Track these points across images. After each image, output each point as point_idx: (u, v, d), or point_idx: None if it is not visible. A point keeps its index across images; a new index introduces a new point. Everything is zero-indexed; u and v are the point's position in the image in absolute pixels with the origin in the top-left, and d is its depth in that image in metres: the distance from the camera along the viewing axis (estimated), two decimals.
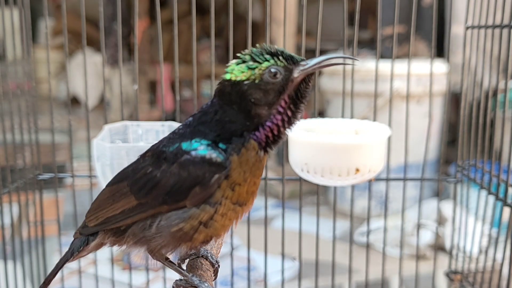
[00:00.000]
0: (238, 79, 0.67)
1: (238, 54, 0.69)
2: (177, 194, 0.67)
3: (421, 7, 2.54)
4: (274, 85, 0.66)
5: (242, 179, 0.67)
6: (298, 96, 0.68)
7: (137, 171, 0.71)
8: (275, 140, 0.69)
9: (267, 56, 0.66)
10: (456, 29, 2.54)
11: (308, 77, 0.68)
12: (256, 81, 0.66)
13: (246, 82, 0.66)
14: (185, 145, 0.67)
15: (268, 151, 0.70)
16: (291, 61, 0.67)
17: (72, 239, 0.79)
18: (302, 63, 0.67)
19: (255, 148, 0.68)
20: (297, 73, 0.67)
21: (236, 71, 0.67)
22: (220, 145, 0.67)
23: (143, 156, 0.73)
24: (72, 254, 0.76)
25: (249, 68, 0.66)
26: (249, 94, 0.66)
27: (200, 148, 0.66)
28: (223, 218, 0.68)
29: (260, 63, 0.66)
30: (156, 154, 0.70)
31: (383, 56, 2.75)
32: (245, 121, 0.67)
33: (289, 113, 0.68)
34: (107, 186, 0.75)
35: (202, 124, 0.69)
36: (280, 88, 0.67)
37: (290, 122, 0.69)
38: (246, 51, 0.69)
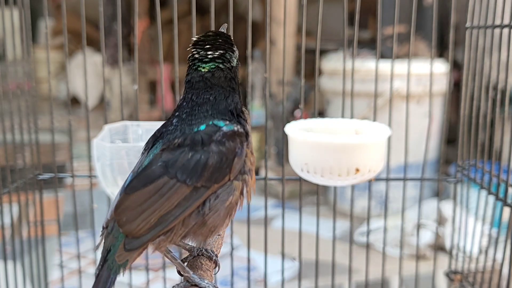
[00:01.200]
0: (234, 64, 0.78)
1: (207, 47, 0.77)
2: (223, 170, 0.71)
3: (422, 6, 2.54)
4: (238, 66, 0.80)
5: (253, 144, 0.77)
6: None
7: (175, 161, 0.69)
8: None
9: (231, 42, 0.79)
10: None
11: None
12: (237, 62, 0.79)
13: (236, 66, 0.78)
14: (216, 122, 0.74)
15: None
16: (231, 38, 0.80)
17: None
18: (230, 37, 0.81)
19: (248, 117, 0.80)
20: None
21: (230, 59, 0.77)
22: (235, 119, 0.76)
23: (168, 147, 0.71)
24: (114, 274, 0.69)
25: (234, 54, 0.78)
26: (238, 75, 0.79)
27: (227, 124, 0.74)
28: (252, 183, 0.75)
29: (233, 46, 0.79)
30: (189, 139, 0.72)
31: (383, 56, 2.75)
32: (240, 98, 0.79)
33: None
34: (134, 191, 0.69)
35: (218, 107, 0.75)
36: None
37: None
38: (211, 42, 0.77)
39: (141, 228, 0.67)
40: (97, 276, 0.68)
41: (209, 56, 0.76)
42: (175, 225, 0.69)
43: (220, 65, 0.76)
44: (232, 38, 0.80)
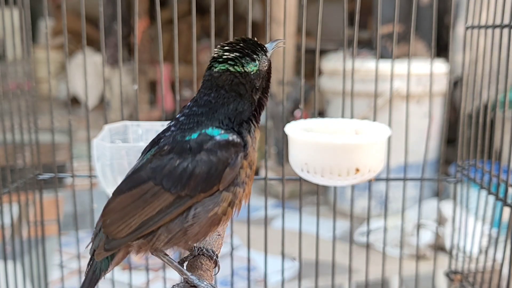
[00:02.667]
0: (248, 70, 0.75)
1: (226, 48, 0.76)
2: (212, 180, 0.70)
3: (419, 6, 2.54)
4: (263, 72, 0.77)
5: (254, 156, 0.75)
6: (269, 76, 0.80)
7: (162, 168, 0.70)
8: (260, 117, 0.79)
9: (259, 49, 0.76)
10: (458, 29, 2.54)
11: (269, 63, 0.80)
12: (257, 71, 0.76)
13: (252, 73, 0.75)
14: (208, 131, 0.71)
15: (259, 123, 0.79)
16: (266, 50, 0.78)
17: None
18: (267, 49, 0.79)
19: (256, 129, 0.76)
20: (269, 57, 0.79)
21: (245, 64, 0.75)
22: (235, 129, 0.74)
23: (159, 153, 0.72)
24: (98, 274, 0.73)
25: (253, 61, 0.75)
26: (255, 83, 0.75)
27: (222, 133, 0.72)
28: (245, 196, 0.74)
29: (257, 55, 0.76)
30: (178, 146, 0.71)
31: (381, 55, 2.75)
32: (250, 108, 0.75)
33: (269, 88, 0.80)
34: (119, 193, 0.72)
35: (216, 112, 0.74)
36: (265, 73, 0.78)
37: (268, 95, 0.80)
38: (233, 44, 0.76)
39: (121, 230, 0.70)
40: (86, 275, 0.73)
41: (224, 57, 0.75)
42: (158, 231, 0.70)
43: (230, 68, 0.74)
44: (260, 44, 0.77)
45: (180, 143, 0.71)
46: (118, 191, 0.72)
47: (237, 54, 0.75)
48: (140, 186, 0.70)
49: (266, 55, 0.77)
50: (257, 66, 0.75)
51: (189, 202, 0.69)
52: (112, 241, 0.70)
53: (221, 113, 0.73)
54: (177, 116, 0.77)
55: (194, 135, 0.71)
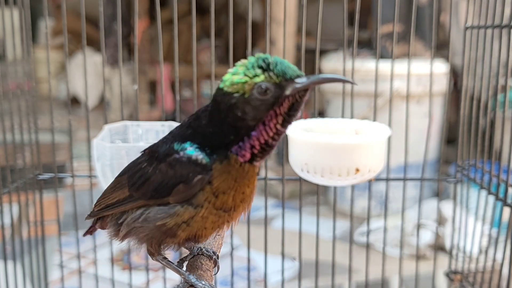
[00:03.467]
0: (229, 90, 0.65)
1: (240, 61, 0.67)
2: (163, 190, 0.70)
3: (417, 6, 2.54)
4: (263, 102, 0.64)
5: (226, 187, 0.68)
6: (289, 112, 0.66)
7: (134, 166, 0.76)
8: (263, 151, 0.67)
9: (259, 71, 0.64)
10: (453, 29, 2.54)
11: (302, 93, 0.65)
12: (246, 95, 0.64)
13: (235, 95, 0.64)
14: (176, 146, 0.70)
15: (257, 161, 0.68)
16: (284, 78, 0.64)
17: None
18: (297, 80, 0.64)
19: (237, 161, 0.67)
20: (289, 91, 0.64)
21: (229, 81, 0.65)
22: (207, 150, 0.68)
23: (143, 152, 0.78)
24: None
25: (239, 81, 0.64)
26: (236, 107, 0.64)
27: (189, 149, 0.68)
28: (204, 220, 0.70)
29: (250, 77, 0.64)
30: (152, 152, 0.75)
31: (381, 55, 2.74)
32: (230, 134, 0.66)
33: (278, 127, 0.66)
34: (116, 177, 0.81)
35: (193, 128, 0.70)
36: (270, 105, 0.64)
37: (278, 134, 0.67)
38: (245, 60, 0.67)
39: (97, 205, 0.80)
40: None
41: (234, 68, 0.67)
42: (123, 223, 0.76)
43: (222, 83, 0.66)
44: (279, 71, 0.64)
45: (154, 151, 0.74)
46: (117, 175, 0.80)
47: (240, 69, 0.65)
48: (121, 176, 0.78)
49: (277, 84, 0.63)
50: (243, 88, 0.64)
51: (140, 202, 0.73)
52: (93, 211, 0.82)
53: (196, 130, 0.69)
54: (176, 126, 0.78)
55: (165, 147, 0.72)
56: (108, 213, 0.78)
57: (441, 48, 2.51)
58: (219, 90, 0.66)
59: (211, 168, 0.67)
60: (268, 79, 0.63)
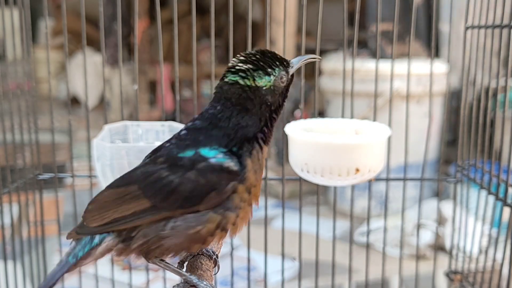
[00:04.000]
0: (260, 85, 0.72)
1: (241, 58, 0.73)
2: (193, 199, 0.69)
3: (410, 6, 2.53)
4: (280, 88, 0.74)
5: (254, 179, 0.72)
6: (286, 92, 0.77)
7: (149, 175, 0.71)
8: (270, 135, 0.75)
9: (277, 63, 0.73)
10: (444, 28, 2.53)
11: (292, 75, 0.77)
12: (272, 86, 0.73)
13: (264, 88, 0.72)
14: (203, 152, 0.69)
15: (268, 142, 0.75)
16: (287, 65, 0.75)
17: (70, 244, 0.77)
18: (291, 63, 0.76)
19: (261, 147, 0.73)
20: (290, 74, 0.76)
21: (257, 78, 0.72)
22: (234, 149, 0.71)
23: (154, 160, 0.73)
24: (76, 259, 0.73)
25: (267, 75, 0.73)
26: (267, 98, 0.73)
27: (218, 156, 0.69)
28: (241, 221, 0.71)
29: (273, 69, 0.73)
30: (171, 160, 0.71)
31: (375, 55, 2.73)
32: (258, 124, 0.73)
33: (282, 106, 0.76)
34: (109, 187, 0.74)
35: (215, 128, 0.71)
36: (283, 89, 0.75)
37: (280, 112, 0.77)
38: (249, 55, 0.73)
39: (95, 219, 0.72)
40: (60, 261, 0.74)
41: (237, 67, 0.72)
42: (135, 235, 0.71)
43: (240, 80, 0.72)
44: (279, 58, 0.74)
45: (174, 157, 0.71)
46: (109, 186, 0.75)
47: (251, 66, 0.72)
48: (126, 186, 0.72)
49: (286, 71, 0.74)
50: (271, 81, 0.73)
51: (164, 213, 0.70)
52: (85, 227, 0.73)
53: (221, 131, 0.71)
54: (181, 129, 0.76)
55: (190, 153, 0.70)
56: (121, 227, 0.71)
57: (436, 48, 2.51)
58: (247, 87, 0.72)
59: (243, 166, 0.70)
60: (283, 68, 0.74)
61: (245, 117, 0.71)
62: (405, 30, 1.31)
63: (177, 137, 0.74)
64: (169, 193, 0.69)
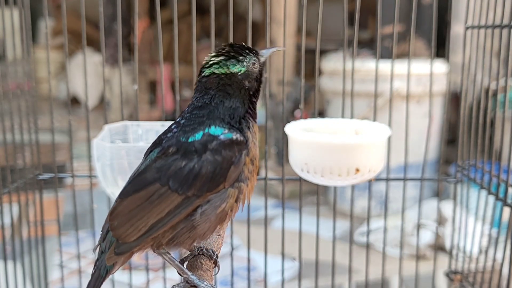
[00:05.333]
0: (235, 71, 0.78)
1: (213, 54, 0.80)
2: (218, 179, 0.71)
3: (420, 5, 2.54)
4: (254, 73, 0.80)
5: (255, 150, 0.76)
6: (261, 77, 0.83)
7: (167, 169, 0.70)
8: (255, 115, 0.81)
9: (247, 51, 0.80)
10: (457, 29, 2.54)
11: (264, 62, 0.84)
12: (246, 72, 0.79)
13: (240, 74, 0.78)
14: (212, 131, 0.73)
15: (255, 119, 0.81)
16: (257, 53, 0.82)
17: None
18: (261, 52, 0.83)
19: (253, 124, 0.79)
20: (262, 60, 0.82)
21: (230, 66, 0.78)
22: (235, 125, 0.76)
23: (164, 154, 0.72)
24: (104, 274, 0.73)
25: (239, 62, 0.79)
26: (243, 83, 0.79)
27: (225, 132, 0.73)
28: (251, 190, 0.76)
29: (244, 56, 0.79)
30: (184, 148, 0.71)
31: (381, 56, 2.73)
32: (244, 105, 0.78)
33: (259, 90, 0.82)
34: (125, 195, 0.71)
35: (214, 111, 0.76)
36: (258, 74, 0.81)
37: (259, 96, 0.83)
38: (219, 50, 0.80)
39: (130, 233, 0.69)
40: (92, 275, 0.73)
41: (210, 62, 0.79)
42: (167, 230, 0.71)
43: (216, 71, 0.78)
44: (248, 47, 0.81)
45: (185, 144, 0.71)
46: (125, 194, 0.71)
47: (222, 58, 0.79)
48: (147, 188, 0.70)
49: (256, 57, 0.81)
50: (244, 66, 0.79)
51: (197, 201, 0.70)
52: (122, 245, 0.70)
53: (220, 112, 0.76)
54: (178, 119, 0.78)
55: (198, 136, 0.72)
56: (160, 231, 0.70)
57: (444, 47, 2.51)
58: (223, 74, 0.78)
59: (247, 139, 0.75)
60: (254, 56, 0.81)
61: (231, 100, 0.77)
62: (414, 31, 1.30)
63: (178, 126, 0.75)
64: (195, 180, 0.70)
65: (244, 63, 0.79)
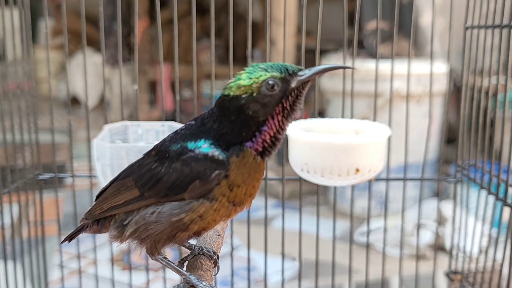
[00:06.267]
0: (236, 94, 0.69)
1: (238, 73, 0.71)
2: (178, 188, 0.71)
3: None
4: (272, 97, 0.69)
5: (240, 181, 0.70)
6: (294, 104, 0.71)
7: (142, 167, 0.75)
8: (273, 144, 0.72)
9: (262, 72, 0.69)
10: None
11: (304, 85, 0.71)
12: (254, 94, 0.68)
13: (243, 96, 0.69)
14: (190, 145, 0.71)
15: (267, 156, 0.72)
16: (287, 72, 0.69)
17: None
18: (300, 73, 0.70)
19: (251, 154, 0.70)
20: (294, 84, 0.69)
21: (234, 87, 0.69)
22: (222, 146, 0.70)
23: (148, 154, 0.77)
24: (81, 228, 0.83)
25: (247, 84, 0.69)
26: (246, 107, 0.69)
27: (204, 146, 0.70)
28: (215, 213, 0.72)
29: (256, 77, 0.68)
30: (161, 153, 0.74)
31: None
32: (242, 132, 0.70)
33: (284, 120, 0.71)
34: (113, 182, 0.80)
35: (202, 130, 0.72)
36: (278, 100, 0.69)
37: (284, 127, 0.72)
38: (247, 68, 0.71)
39: (97, 209, 0.79)
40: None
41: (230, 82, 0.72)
42: (129, 223, 0.75)
43: (223, 91, 0.71)
44: (284, 67, 0.69)
45: (163, 150, 0.74)
46: (115, 179, 0.80)
47: (242, 76, 0.70)
48: (123, 179, 0.77)
49: (282, 78, 0.68)
50: (252, 88, 0.68)
51: (151, 200, 0.73)
52: (90, 214, 0.81)
53: (210, 129, 0.71)
54: (183, 126, 0.78)
55: (176, 146, 0.72)
56: (113, 213, 0.77)
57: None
58: (225, 96, 0.70)
59: (228, 163, 0.69)
60: (274, 75, 0.68)
61: (225, 124, 0.70)
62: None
63: (174, 133, 0.77)
64: (155, 183, 0.72)
65: (252, 85, 0.68)
